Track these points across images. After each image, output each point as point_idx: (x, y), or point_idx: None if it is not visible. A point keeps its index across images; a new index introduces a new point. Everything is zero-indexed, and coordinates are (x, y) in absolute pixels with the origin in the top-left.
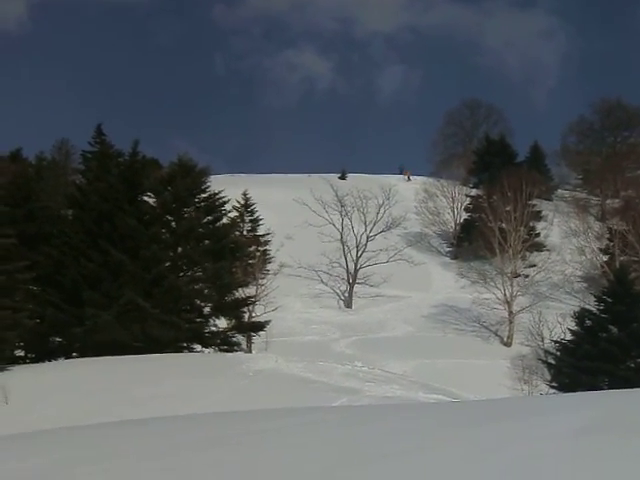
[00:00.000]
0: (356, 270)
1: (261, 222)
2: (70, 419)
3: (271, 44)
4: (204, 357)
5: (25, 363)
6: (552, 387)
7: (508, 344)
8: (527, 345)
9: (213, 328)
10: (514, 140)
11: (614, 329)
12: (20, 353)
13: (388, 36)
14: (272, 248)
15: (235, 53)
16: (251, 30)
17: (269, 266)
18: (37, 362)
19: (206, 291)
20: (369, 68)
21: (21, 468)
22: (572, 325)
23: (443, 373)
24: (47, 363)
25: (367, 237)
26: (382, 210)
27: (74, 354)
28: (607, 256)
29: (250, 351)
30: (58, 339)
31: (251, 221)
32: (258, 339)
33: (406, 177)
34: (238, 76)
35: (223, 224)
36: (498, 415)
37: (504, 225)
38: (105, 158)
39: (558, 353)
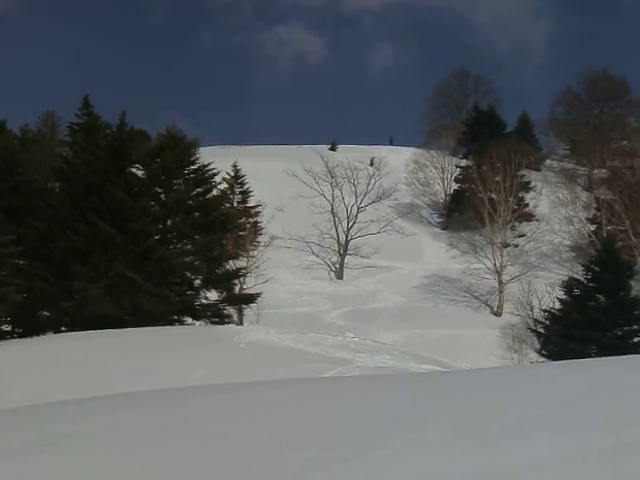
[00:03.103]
0: (347, 241)
1: (251, 194)
2: (59, 394)
3: (261, 21)
4: (195, 330)
5: (12, 338)
6: (542, 355)
7: (498, 314)
8: (517, 315)
9: (204, 301)
10: (503, 111)
11: (602, 298)
12: (7, 328)
13: (378, 13)
14: (263, 220)
15: (225, 29)
16: (240, 6)
17: (260, 238)
18: (25, 337)
19: (196, 263)
20: (359, 44)
21: (4, 444)
22: (561, 294)
23: (434, 343)
24: (35, 338)
25: (358, 208)
26: (372, 181)
27: (63, 328)
28: (594, 226)
29: (241, 323)
30: (46, 313)
31: (241, 193)
32: (249, 311)
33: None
34: (228, 52)
35: (213, 196)
36: (489, 384)
37: (494, 195)
38: (92, 130)
39: (547, 322)
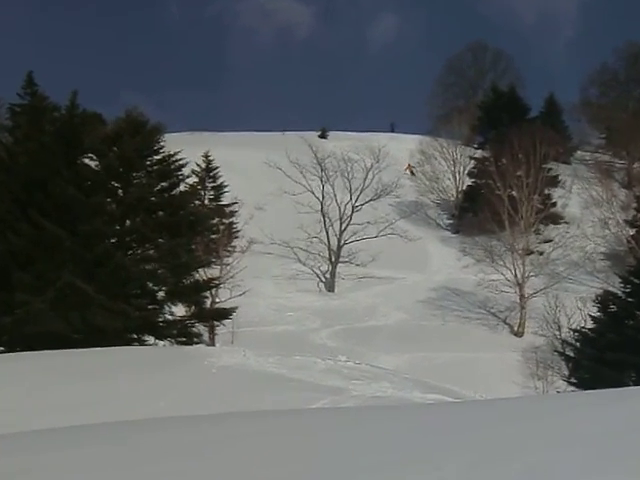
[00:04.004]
0: (339, 247)
1: (226, 189)
2: None
3: None
4: (158, 351)
5: None
6: (571, 384)
7: (519, 334)
8: (541, 335)
9: (168, 316)
10: (526, 92)
11: None
12: None
13: None
14: (239, 221)
15: None
16: None
17: (236, 242)
18: None
19: (160, 272)
20: (357, 15)
21: None
22: (594, 311)
23: (443, 369)
24: None
25: (352, 207)
26: (370, 175)
27: (0, 348)
28: (635, 229)
29: (213, 344)
30: None
31: (214, 188)
32: (223, 329)
33: (408, 171)
34: (200, 23)
35: (180, 192)
36: (508, 417)
37: (514, 193)
38: (37, 112)
39: (577, 344)
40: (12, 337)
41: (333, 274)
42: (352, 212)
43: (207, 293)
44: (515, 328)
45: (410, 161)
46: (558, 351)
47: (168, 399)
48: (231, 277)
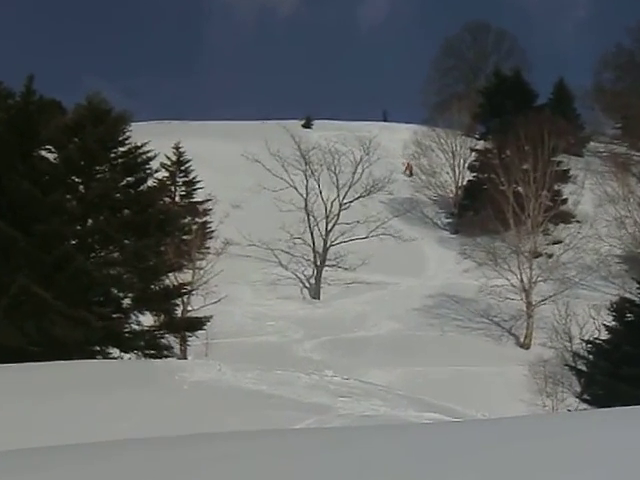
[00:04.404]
0: (325, 249)
1: (199, 185)
2: None
3: None
4: (123, 365)
5: None
6: (583, 401)
7: (526, 345)
8: (550, 347)
9: (135, 326)
10: (533, 77)
11: None
12: None
13: None
14: (214, 220)
15: None
16: None
17: (210, 244)
18: None
19: (126, 277)
20: None
21: None
22: (609, 320)
23: (441, 384)
24: None
25: (340, 205)
26: (360, 169)
27: None
28: None
29: (185, 357)
30: None
31: (186, 184)
32: (195, 341)
33: (407, 171)
34: (172, 0)
35: (148, 188)
36: (514, 437)
37: (520, 189)
38: None
39: (590, 357)
40: None
41: (318, 279)
42: (340, 210)
43: (178, 300)
44: (521, 339)
45: (403, 154)
46: (569, 365)
47: (133, 419)
48: (205, 283)
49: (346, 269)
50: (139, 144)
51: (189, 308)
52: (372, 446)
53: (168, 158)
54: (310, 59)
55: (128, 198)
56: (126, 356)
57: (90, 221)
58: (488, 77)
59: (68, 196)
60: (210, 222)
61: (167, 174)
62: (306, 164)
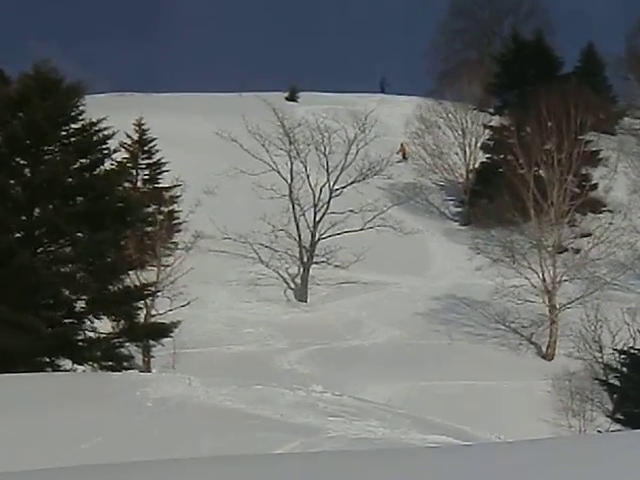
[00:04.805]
0: (314, 243)
1: (165, 168)
2: None
3: None
4: (76, 379)
5: None
6: (616, 421)
7: (548, 356)
8: (577, 357)
9: (90, 334)
10: (557, 41)
11: None
12: None
13: None
14: (182, 209)
15: None
16: None
17: (178, 237)
18: None
19: (79, 276)
20: None
21: None
22: None
23: (449, 402)
24: None
25: (331, 191)
26: (354, 149)
27: None
28: None
29: (149, 369)
30: None
31: (150, 166)
32: (161, 350)
33: (400, 154)
34: None
35: (105, 171)
36: (534, 464)
37: (542, 172)
38: None
39: (625, 369)
40: None
41: (305, 278)
42: (330, 197)
43: (140, 303)
44: (543, 349)
45: (405, 132)
46: (599, 379)
47: (88, 442)
48: (172, 282)
49: (338, 266)
50: (95, 120)
51: (153, 312)
52: (368, 473)
53: (129, 136)
54: (294, 20)
55: (82, 183)
56: (80, 368)
57: (37, 210)
58: (505, 41)
59: (11, 181)
60: (178, 211)
61: (128, 155)
62: (290, 143)
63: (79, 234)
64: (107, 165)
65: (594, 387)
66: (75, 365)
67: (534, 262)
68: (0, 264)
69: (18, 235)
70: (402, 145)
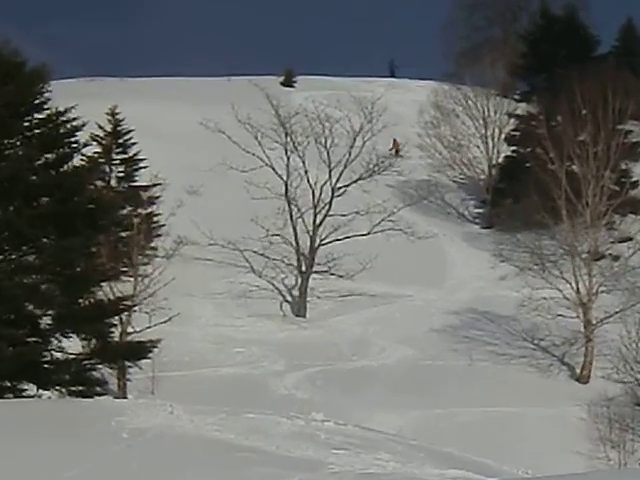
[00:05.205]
0: (313, 249)
1: (143, 164)
2: None
3: None
4: (42, 406)
5: None
6: None
7: (583, 378)
8: (617, 380)
9: (58, 354)
10: (593, 17)
11: None
12: None
13: None
14: (163, 211)
15: None
16: None
17: (158, 243)
18: None
19: (44, 288)
20: None
21: None
22: None
23: (469, 432)
24: None
25: (333, 190)
26: (360, 141)
27: None
28: None
29: (125, 395)
30: None
31: (125, 162)
32: (139, 373)
33: (393, 150)
34: None
35: (74, 168)
36: None
37: (576, 168)
38: None
39: None
40: None
41: (304, 290)
42: (332, 197)
43: (115, 319)
44: (577, 370)
45: (418, 121)
46: None
47: (59, 479)
48: (151, 295)
49: (341, 277)
50: (62, 109)
51: (130, 330)
52: None
53: (101, 127)
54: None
55: (47, 182)
56: (45, 394)
57: None
58: (532, 18)
59: None
60: (158, 214)
61: (100, 149)
62: (287, 135)
63: (44, 240)
64: (76, 161)
65: (635, 414)
66: (40, 390)
67: (566, 271)
68: None
69: None
70: (395, 140)
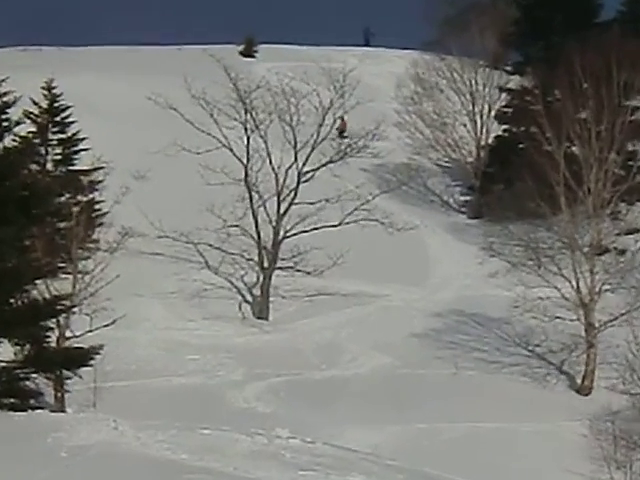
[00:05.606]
0: (277, 242)
1: (84, 145)
2: None
3: None
4: None
5: None
6: None
7: (585, 390)
8: (622, 392)
9: None
10: None
11: None
12: None
13: None
14: (106, 198)
15: None
16: None
17: (100, 235)
18: None
19: None
20: None
21: None
22: None
23: (454, 449)
24: None
25: (299, 174)
26: (330, 119)
27: None
28: None
29: (62, 409)
30: None
31: (63, 143)
32: (78, 383)
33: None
34: None
35: (5, 149)
36: None
37: (576, 149)
38: None
39: None
40: None
41: (266, 289)
42: (298, 183)
43: (51, 322)
44: (578, 380)
45: (396, 96)
46: None
47: None
48: (92, 294)
49: (309, 273)
50: None
51: (68, 334)
52: None
53: (35, 103)
54: None
55: None
56: None
57: None
58: None
59: None
60: (100, 201)
61: (34, 128)
62: (246, 112)
63: None
64: (7, 141)
65: None
66: None
67: (565, 267)
68: None
69: None
70: (343, 119)
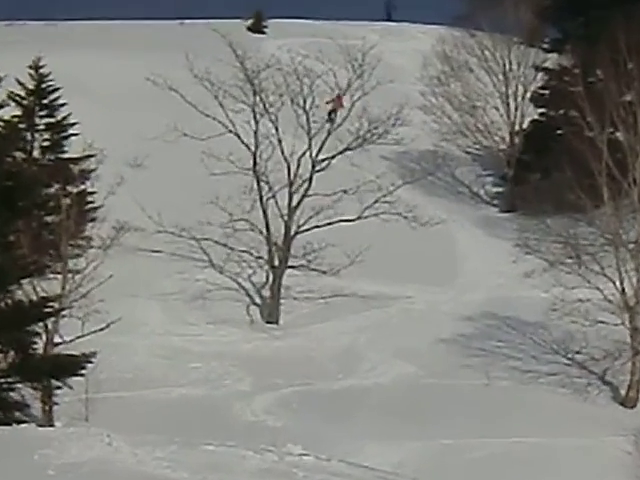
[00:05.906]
0: (289, 238)
1: (74, 130)
2: None
3: None
4: None
5: None
6: None
7: (630, 402)
8: None
9: None
10: None
11: None
12: None
13: None
14: (99, 189)
15: None
16: None
17: (93, 230)
18: None
19: None
20: None
21: None
22: None
23: (483, 467)
24: None
25: (313, 163)
26: (348, 102)
27: None
28: None
29: (51, 422)
30: None
31: (51, 127)
32: (69, 394)
33: (328, 104)
34: None
35: None
36: None
37: (620, 135)
38: None
39: None
40: None
41: (277, 290)
42: (312, 172)
43: (39, 326)
44: (622, 391)
45: (421, 77)
46: None
47: None
48: (84, 296)
49: (324, 273)
50: None
51: (57, 339)
52: None
53: (21, 84)
54: None
55: None
56: None
57: None
58: None
59: None
60: (93, 193)
61: (19, 112)
62: (255, 94)
63: None
64: None
65: None
66: None
67: (609, 265)
68: None
69: None
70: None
